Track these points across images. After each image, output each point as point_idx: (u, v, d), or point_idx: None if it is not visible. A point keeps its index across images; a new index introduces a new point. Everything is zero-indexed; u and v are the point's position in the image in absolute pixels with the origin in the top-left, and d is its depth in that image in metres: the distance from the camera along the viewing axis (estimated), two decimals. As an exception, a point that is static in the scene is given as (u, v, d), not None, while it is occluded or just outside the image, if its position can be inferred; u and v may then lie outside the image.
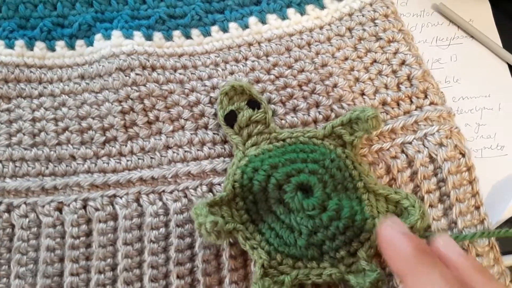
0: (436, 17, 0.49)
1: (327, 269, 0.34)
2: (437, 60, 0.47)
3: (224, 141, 0.40)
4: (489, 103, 0.45)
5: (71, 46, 0.43)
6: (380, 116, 0.37)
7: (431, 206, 0.37)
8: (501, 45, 0.47)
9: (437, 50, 0.47)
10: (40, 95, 0.41)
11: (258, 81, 0.41)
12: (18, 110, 0.40)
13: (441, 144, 0.38)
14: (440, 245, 0.29)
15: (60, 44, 0.43)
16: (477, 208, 0.37)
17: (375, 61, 0.42)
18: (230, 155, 0.39)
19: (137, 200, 0.38)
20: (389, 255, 0.28)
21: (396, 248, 0.28)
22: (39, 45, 0.43)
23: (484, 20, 0.49)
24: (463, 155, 0.38)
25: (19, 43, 0.42)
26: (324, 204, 0.35)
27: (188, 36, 0.43)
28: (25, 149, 0.39)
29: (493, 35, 0.48)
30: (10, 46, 0.42)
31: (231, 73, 0.42)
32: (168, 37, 0.43)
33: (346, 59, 0.42)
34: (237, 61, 0.42)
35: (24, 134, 0.40)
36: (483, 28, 0.47)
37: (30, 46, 0.43)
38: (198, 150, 0.39)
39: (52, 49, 0.43)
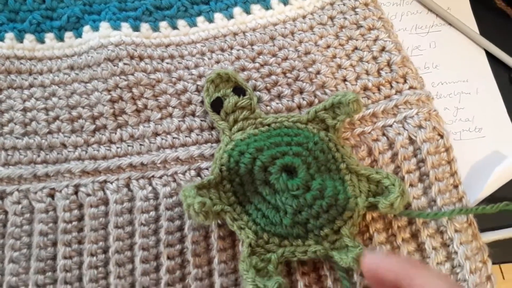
0: (415, 6, 0.50)
1: (312, 246, 0.36)
2: (417, 47, 0.48)
3: (211, 128, 0.41)
4: (467, 88, 0.46)
5: (60, 38, 0.44)
6: (360, 99, 0.38)
7: (411, 185, 0.39)
8: (478, 32, 0.49)
9: (417, 37, 0.49)
10: (31, 85, 0.42)
11: (243, 69, 0.43)
12: (9, 101, 0.41)
13: (420, 126, 0.40)
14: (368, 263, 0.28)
15: (49, 36, 0.44)
16: (456, 186, 0.39)
17: (356, 48, 0.43)
18: (217, 141, 0.40)
19: (127, 185, 0.39)
20: (382, 273, 0.27)
21: (385, 263, 0.27)
22: (29, 38, 0.44)
23: (462, 8, 0.50)
24: (441, 136, 0.40)
25: (9, 35, 0.43)
26: (308, 184, 0.36)
27: (174, 27, 0.45)
28: (17, 138, 0.40)
29: (470, 23, 0.49)
30: (0, 39, 0.43)
31: (217, 62, 0.43)
32: (155, 28, 0.44)
33: (328, 46, 0.43)
34: (222, 50, 0.44)
35: (15, 124, 0.41)
36: (460, 16, 0.49)
37: (20, 38, 0.44)
38: (186, 136, 0.40)
39: (41, 41, 0.44)
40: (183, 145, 0.40)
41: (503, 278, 0.42)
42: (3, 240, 0.38)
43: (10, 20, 0.44)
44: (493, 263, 0.38)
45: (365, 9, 0.44)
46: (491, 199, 0.42)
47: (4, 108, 0.41)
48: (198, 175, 0.39)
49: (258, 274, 0.34)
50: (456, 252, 0.37)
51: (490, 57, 0.48)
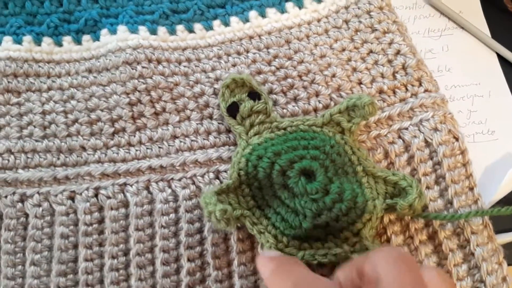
0: (427, 10, 0.51)
1: (332, 249, 0.36)
2: (430, 51, 0.49)
3: (229, 131, 0.41)
4: (479, 91, 0.47)
5: (78, 41, 0.44)
6: (375, 102, 0.38)
7: (427, 188, 0.39)
8: (489, 35, 0.50)
9: (430, 41, 0.49)
10: (49, 88, 0.42)
11: (259, 72, 0.43)
12: (28, 104, 0.42)
13: (435, 129, 0.40)
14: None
15: (67, 40, 0.44)
16: (471, 189, 0.39)
17: (371, 51, 0.44)
18: (235, 144, 0.41)
19: (147, 187, 0.39)
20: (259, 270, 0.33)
21: (264, 262, 0.32)
22: (47, 41, 0.44)
23: (473, 12, 0.51)
24: (457, 139, 0.40)
25: (27, 38, 0.44)
26: (327, 188, 0.36)
27: (191, 30, 0.45)
28: (36, 141, 0.40)
29: (482, 26, 0.50)
30: (18, 41, 0.43)
31: (234, 65, 0.43)
32: (172, 32, 0.45)
33: (344, 50, 0.44)
34: (239, 53, 0.44)
35: (34, 127, 0.41)
36: (472, 19, 0.49)
37: (37, 41, 0.44)
38: (204, 139, 0.41)
39: (59, 44, 0.44)
40: (202, 147, 0.41)
41: (517, 279, 0.43)
42: (24, 243, 0.38)
43: (28, 23, 0.44)
44: (508, 264, 0.38)
45: (379, 13, 0.45)
46: (505, 201, 0.42)
47: (23, 111, 0.41)
48: (217, 177, 0.40)
49: (279, 276, 0.35)
50: (472, 254, 0.37)
51: (502, 60, 0.49)
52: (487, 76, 0.48)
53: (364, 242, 0.36)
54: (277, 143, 0.39)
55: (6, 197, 0.39)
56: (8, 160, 0.40)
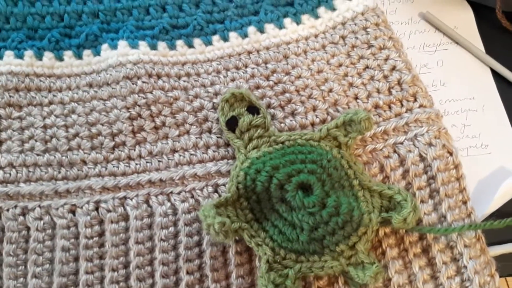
0: (423, 25, 0.52)
1: (328, 262, 0.37)
2: (425, 65, 0.49)
3: (227, 144, 0.42)
4: (473, 105, 0.48)
5: (79, 56, 0.45)
6: (372, 117, 0.39)
7: (422, 201, 0.40)
8: (484, 50, 0.51)
9: (425, 55, 0.50)
10: (50, 103, 0.43)
11: (258, 87, 0.44)
12: (29, 118, 0.42)
13: (430, 144, 0.41)
14: None
15: (68, 54, 0.45)
16: (464, 203, 0.40)
17: (367, 67, 0.45)
18: (234, 157, 0.41)
19: (146, 201, 0.40)
20: None
21: None
22: (48, 55, 0.45)
23: (468, 27, 0.52)
24: (451, 154, 0.41)
25: (28, 53, 0.44)
26: (324, 201, 0.37)
27: (190, 45, 0.46)
28: (38, 154, 0.41)
29: (476, 41, 0.51)
30: (20, 56, 0.44)
31: (232, 80, 0.44)
32: (172, 47, 0.45)
33: (340, 65, 0.45)
34: (237, 68, 0.45)
35: (36, 141, 0.41)
36: (467, 35, 0.51)
37: (39, 56, 0.44)
38: (203, 153, 0.42)
39: (60, 58, 0.45)
40: (201, 161, 0.41)
41: (510, 291, 0.44)
42: (25, 256, 0.39)
43: (29, 37, 0.45)
44: (500, 276, 0.39)
45: (376, 29, 0.46)
46: (498, 214, 0.43)
47: (24, 125, 0.42)
48: (216, 191, 0.40)
49: (277, 289, 0.35)
50: (465, 267, 0.38)
51: (496, 75, 0.50)
52: (481, 91, 0.49)
53: (360, 255, 0.36)
54: (275, 157, 0.39)
55: (8, 210, 0.39)
56: (10, 174, 0.40)
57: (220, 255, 0.39)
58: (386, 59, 0.44)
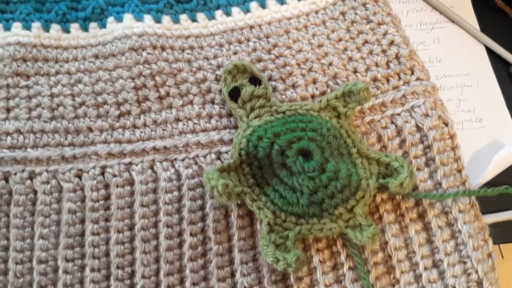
0: (420, 4, 0.53)
1: (327, 224, 0.38)
2: (422, 43, 0.51)
3: (230, 115, 0.43)
4: (468, 81, 0.49)
5: (85, 28, 0.46)
6: (370, 88, 0.41)
7: (418, 169, 0.41)
8: (479, 29, 0.52)
9: (422, 33, 0.51)
10: (57, 73, 0.44)
11: (259, 60, 0.45)
12: (36, 87, 0.43)
13: (426, 115, 0.42)
14: None
15: (74, 27, 0.46)
16: (459, 171, 0.42)
17: (366, 41, 0.46)
18: (235, 127, 0.43)
19: (151, 167, 0.41)
20: None
21: None
22: (55, 27, 0.46)
23: (464, 7, 0.53)
24: (446, 125, 0.42)
25: (36, 25, 0.45)
26: (323, 167, 0.38)
27: (194, 20, 0.47)
28: (45, 122, 0.42)
29: (472, 20, 0.52)
30: (27, 27, 0.45)
31: (235, 53, 0.45)
32: (176, 20, 0.47)
33: (340, 40, 0.46)
34: (239, 42, 0.46)
35: (43, 108, 0.42)
36: (463, 14, 0.52)
37: (46, 28, 0.46)
38: (206, 122, 0.43)
39: (67, 31, 0.46)
40: (204, 130, 0.42)
41: (502, 257, 0.45)
42: (32, 218, 0.40)
43: (37, 10, 0.46)
44: (493, 243, 0.40)
45: (374, 5, 0.47)
46: (491, 184, 0.44)
47: (32, 94, 0.43)
48: (218, 158, 0.41)
49: (277, 249, 0.37)
50: (460, 231, 0.39)
51: (490, 52, 0.51)
52: (476, 68, 0.50)
53: (357, 218, 0.38)
54: (276, 125, 0.41)
55: (15, 174, 0.40)
56: (18, 140, 0.41)
57: (223, 218, 0.40)
58: (384, 34, 0.46)
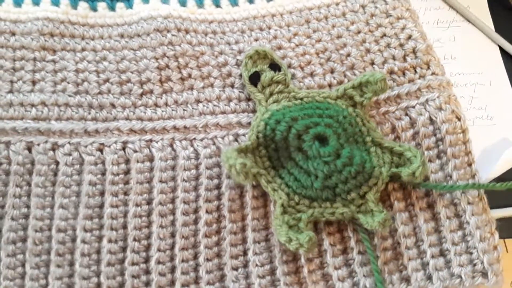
0: (437, 2, 0.54)
1: (339, 208, 0.39)
2: (438, 40, 0.52)
3: (248, 99, 0.44)
4: (481, 79, 0.51)
5: (112, 8, 0.47)
6: (387, 79, 0.42)
7: (430, 161, 0.42)
8: (493, 29, 0.53)
9: (438, 31, 0.53)
10: (83, 49, 0.45)
11: (280, 47, 0.46)
12: (62, 62, 0.44)
13: (440, 108, 0.44)
14: None
15: (101, 5, 0.47)
16: (469, 165, 0.43)
17: (384, 35, 0.47)
18: (254, 111, 0.44)
19: (171, 145, 0.42)
20: None
21: None
22: (83, 5, 0.47)
23: (480, 7, 0.54)
24: (459, 119, 0.43)
25: (64, 1, 0.47)
26: (338, 152, 0.40)
27: (218, 5, 0.48)
28: (69, 96, 0.43)
29: (487, 21, 0.54)
30: (56, 4, 0.46)
31: (256, 40, 0.47)
32: (201, 5, 0.48)
33: (359, 32, 0.47)
34: (261, 29, 0.47)
35: (68, 83, 0.44)
36: (478, 14, 0.53)
37: (74, 5, 0.47)
38: (225, 105, 0.44)
39: (94, 9, 0.47)
40: (223, 112, 0.44)
41: (507, 251, 0.46)
42: (53, 188, 0.41)
43: (65, -13, 0.47)
44: (499, 238, 0.41)
45: (394, 0, 0.48)
46: (499, 180, 0.45)
47: (58, 68, 0.44)
48: (236, 140, 0.43)
49: (290, 229, 0.38)
50: (468, 222, 0.40)
51: (504, 53, 0.52)
52: (489, 67, 0.51)
53: (369, 204, 0.39)
54: (294, 110, 0.42)
55: (38, 145, 0.41)
56: (42, 112, 0.42)
57: (238, 198, 0.41)
58: (402, 28, 0.47)
